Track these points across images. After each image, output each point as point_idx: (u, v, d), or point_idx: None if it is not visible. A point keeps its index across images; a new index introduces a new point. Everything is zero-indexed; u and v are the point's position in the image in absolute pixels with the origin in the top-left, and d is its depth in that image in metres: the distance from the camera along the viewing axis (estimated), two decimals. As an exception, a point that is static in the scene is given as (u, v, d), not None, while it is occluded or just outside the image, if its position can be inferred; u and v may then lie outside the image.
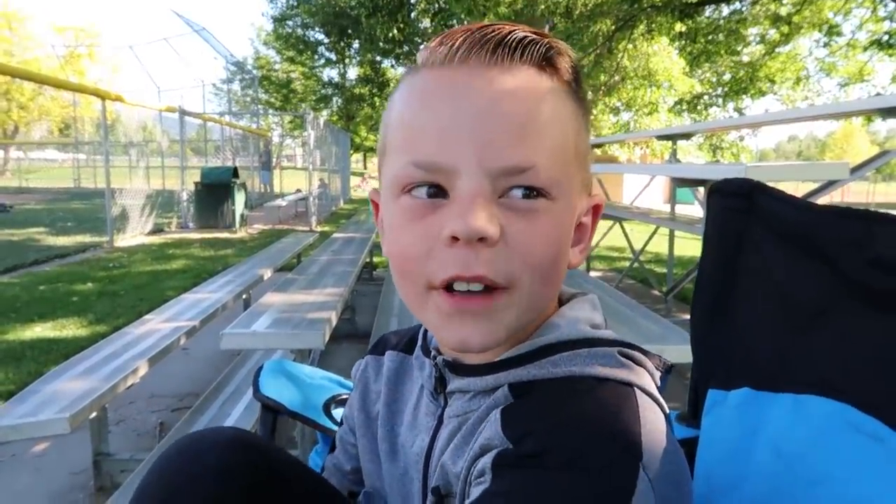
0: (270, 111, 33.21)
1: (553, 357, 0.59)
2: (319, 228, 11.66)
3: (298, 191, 16.94)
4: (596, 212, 0.66)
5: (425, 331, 0.74)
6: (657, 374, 0.61)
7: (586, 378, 0.57)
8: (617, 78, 13.72)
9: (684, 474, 0.54)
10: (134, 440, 3.01)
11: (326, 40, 30.94)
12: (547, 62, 0.58)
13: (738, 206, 0.85)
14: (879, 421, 0.61)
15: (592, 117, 14.53)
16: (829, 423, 0.66)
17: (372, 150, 38.05)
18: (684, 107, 16.09)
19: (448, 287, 0.56)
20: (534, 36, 0.58)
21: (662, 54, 13.06)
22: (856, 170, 2.37)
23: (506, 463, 0.51)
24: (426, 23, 17.38)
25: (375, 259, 7.02)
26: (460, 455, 0.60)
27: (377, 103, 30.38)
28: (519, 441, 0.52)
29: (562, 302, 0.68)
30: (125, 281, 6.59)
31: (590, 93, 13.88)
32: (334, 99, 34.86)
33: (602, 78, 13.31)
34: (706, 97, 16.06)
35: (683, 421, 0.96)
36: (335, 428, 0.90)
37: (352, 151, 30.93)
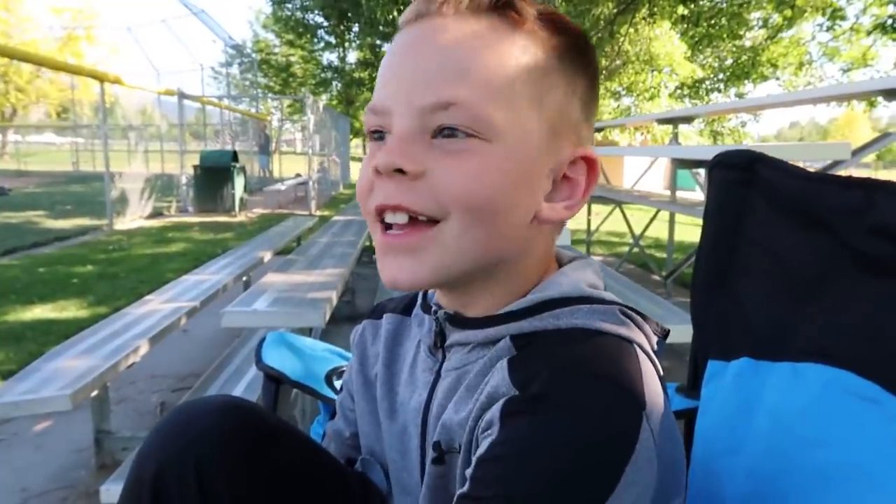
0: (270, 95, 33.06)
1: (554, 311, 0.60)
2: (319, 213, 11.64)
3: (298, 175, 16.91)
4: (590, 166, 0.64)
5: (425, 290, 0.74)
6: (654, 339, 0.61)
7: (589, 330, 0.57)
8: (618, 62, 13.65)
9: (679, 436, 0.56)
10: (135, 419, 3.02)
11: (326, 23, 30.70)
12: (506, 6, 0.59)
13: (739, 179, 0.85)
14: (878, 385, 0.62)
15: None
16: (828, 390, 0.66)
17: (371, 134, 37.73)
18: (686, 92, 16.02)
19: (384, 224, 0.60)
20: None
21: (664, 38, 12.99)
22: (857, 151, 2.36)
23: (513, 410, 0.51)
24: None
25: (375, 242, 7.02)
26: (464, 407, 0.60)
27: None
28: (525, 386, 0.52)
29: (561, 264, 0.68)
30: (125, 263, 6.59)
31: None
32: (334, 83, 34.67)
33: (603, 62, 13.24)
34: (708, 82, 15.99)
35: (683, 392, 0.96)
36: (336, 398, 0.89)
37: (352, 136, 30.82)
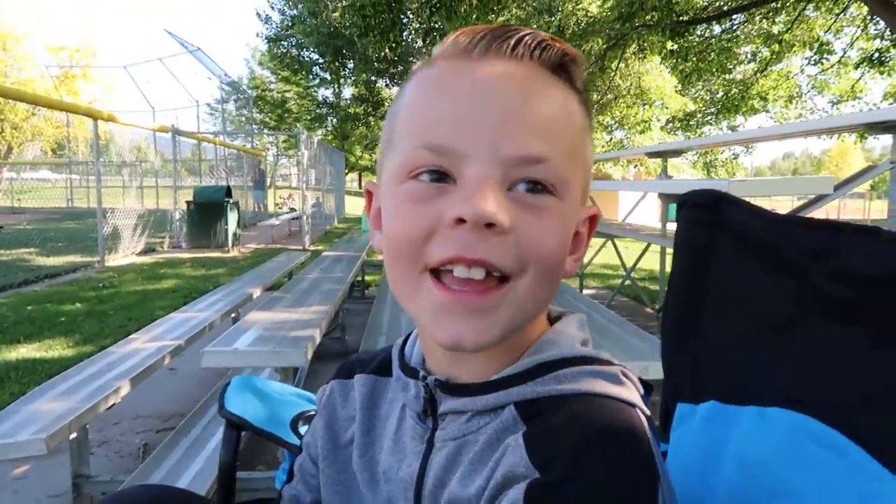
0: (265, 131, 33.28)
1: (555, 373, 0.58)
2: (313, 247, 11.64)
3: (292, 210, 16.93)
4: (592, 223, 0.65)
5: (401, 350, 0.71)
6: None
7: (597, 396, 0.56)
8: (610, 96, 13.82)
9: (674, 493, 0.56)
10: (116, 462, 2.96)
11: (321, 60, 31.07)
12: (561, 67, 0.59)
13: (706, 219, 0.84)
14: (842, 434, 0.60)
15: (585, 135, 14.61)
16: (793, 436, 0.65)
17: (367, 169, 38.12)
18: (677, 125, 16.20)
19: (441, 276, 0.55)
20: (551, 40, 0.58)
21: (654, 72, 13.17)
22: (840, 186, 2.37)
23: (536, 495, 0.49)
24: (420, 42, 17.51)
25: (368, 278, 7.00)
26: (472, 482, 0.57)
27: (372, 123, 30.51)
28: (546, 468, 0.51)
29: (550, 318, 0.67)
30: (114, 301, 6.55)
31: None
32: (329, 118, 35.00)
33: (595, 96, 13.40)
34: (699, 115, 16.17)
35: (655, 437, 0.94)
36: (296, 460, 0.84)
37: (347, 171, 30.99)
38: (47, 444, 1.96)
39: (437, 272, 0.55)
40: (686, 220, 0.87)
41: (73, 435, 2.35)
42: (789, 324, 0.70)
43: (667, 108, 14.19)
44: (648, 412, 0.58)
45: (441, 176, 0.55)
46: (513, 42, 0.56)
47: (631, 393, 0.58)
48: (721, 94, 15.63)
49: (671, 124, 16.08)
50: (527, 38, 0.57)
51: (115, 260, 9.73)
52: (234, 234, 11.96)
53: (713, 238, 0.83)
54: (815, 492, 0.60)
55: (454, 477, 0.59)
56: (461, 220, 0.52)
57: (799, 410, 0.66)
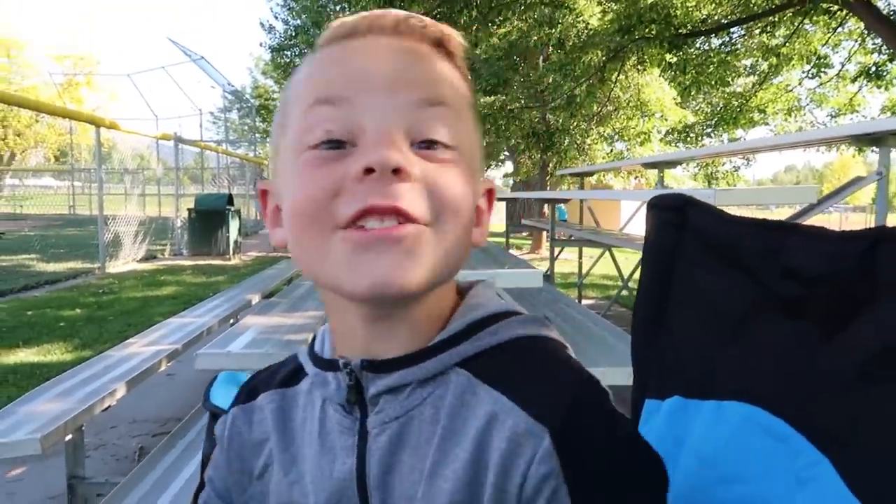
0: (268, 140, 33.39)
1: (489, 328, 0.59)
2: (313, 255, 11.65)
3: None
4: (490, 197, 0.66)
5: (311, 348, 0.66)
6: None
7: (535, 338, 0.60)
8: (610, 108, 13.88)
9: None
10: (112, 465, 2.99)
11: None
12: (441, 43, 0.60)
13: (672, 221, 0.88)
14: (786, 423, 0.63)
15: (587, 146, 14.69)
16: (744, 427, 0.68)
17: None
18: (676, 136, 16.24)
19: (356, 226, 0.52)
20: (429, 21, 0.60)
21: (654, 85, 13.23)
22: (828, 197, 2.40)
23: (567, 448, 0.51)
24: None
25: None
26: (446, 455, 0.54)
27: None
28: (550, 417, 0.52)
29: (461, 289, 0.66)
30: (114, 307, 6.59)
31: (583, 123, 14.03)
32: (332, 127, 35.03)
33: (595, 108, 13.46)
34: (698, 127, 16.22)
35: (625, 433, 0.97)
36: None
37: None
38: (42, 444, 1.99)
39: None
40: (654, 223, 0.90)
41: (69, 436, 2.38)
42: (744, 320, 0.74)
43: (666, 119, 14.23)
44: (568, 346, 0.63)
45: (339, 144, 0.53)
46: (391, 22, 0.57)
47: (552, 332, 0.62)
48: (721, 106, 15.69)
49: (670, 136, 16.12)
50: (405, 17, 0.58)
51: (115, 267, 9.78)
52: (236, 242, 12.01)
53: (680, 240, 0.87)
54: (759, 477, 0.63)
55: (404, 460, 0.56)
56: (369, 170, 0.51)
57: (752, 403, 0.69)
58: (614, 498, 0.52)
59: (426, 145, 0.54)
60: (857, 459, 0.56)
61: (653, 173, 10.67)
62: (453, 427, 0.55)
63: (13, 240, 13.24)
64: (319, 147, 0.54)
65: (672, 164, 5.37)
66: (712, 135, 16.72)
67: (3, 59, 29.07)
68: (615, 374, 2.04)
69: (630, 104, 13.53)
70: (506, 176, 21.29)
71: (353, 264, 0.51)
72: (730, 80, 14.51)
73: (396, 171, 0.51)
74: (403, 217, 0.51)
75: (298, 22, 29.42)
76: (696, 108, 17.00)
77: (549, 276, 7.23)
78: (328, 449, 0.60)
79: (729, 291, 0.78)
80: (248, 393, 0.72)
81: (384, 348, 0.58)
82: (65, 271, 9.15)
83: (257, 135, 32.85)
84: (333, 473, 0.59)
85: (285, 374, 0.69)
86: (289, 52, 32.46)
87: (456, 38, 0.61)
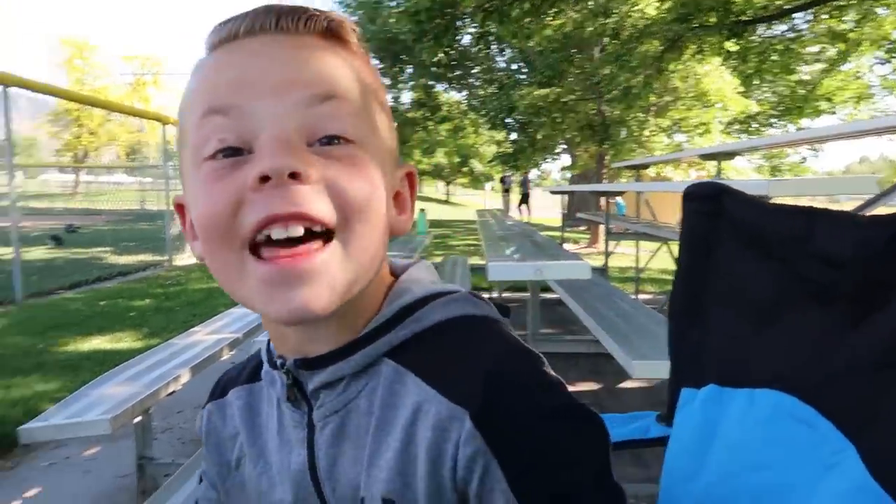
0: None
1: (415, 315, 0.59)
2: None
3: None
4: (411, 181, 0.65)
5: (268, 344, 0.66)
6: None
7: (457, 319, 0.59)
8: (668, 98, 13.57)
9: None
10: (178, 447, 3.13)
11: (380, 66, 31.55)
12: (330, 33, 0.58)
13: (708, 210, 0.89)
14: (814, 409, 0.64)
15: (644, 138, 14.39)
16: (775, 415, 0.69)
17: (425, 173, 38.42)
18: (739, 127, 15.76)
19: (260, 252, 0.51)
20: (313, 11, 0.58)
21: (714, 74, 12.86)
22: (891, 190, 2.29)
23: (489, 432, 0.52)
24: (476, 46, 17.58)
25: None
26: (380, 446, 0.56)
27: (430, 127, 30.78)
28: (468, 400, 0.53)
29: (396, 272, 0.66)
30: (180, 297, 6.85)
31: (640, 113, 13.76)
32: (388, 123, 35.36)
33: (652, 99, 13.18)
34: (761, 117, 15.69)
35: (662, 421, 0.98)
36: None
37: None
38: (112, 425, 2.11)
39: (256, 248, 0.52)
40: (690, 212, 0.91)
41: (138, 419, 2.51)
42: (776, 307, 0.74)
43: (727, 110, 13.81)
44: (500, 318, 0.62)
45: (236, 151, 0.52)
46: (274, 17, 0.55)
47: (479, 308, 0.61)
48: (786, 95, 15.15)
49: (732, 127, 15.65)
50: (288, 11, 0.56)
51: (182, 260, 10.14)
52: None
53: (715, 228, 0.88)
54: (787, 464, 0.64)
55: (347, 451, 0.59)
56: (265, 178, 0.50)
57: (784, 390, 0.70)
58: (547, 472, 0.51)
59: (326, 142, 0.53)
60: (880, 445, 0.57)
61: (711, 165, 10.39)
62: (385, 417, 0.57)
63: (88, 234, 13.88)
64: (216, 157, 0.53)
65: (730, 155, 5.22)
66: (776, 125, 16.16)
67: (77, 61, 30.54)
68: (664, 367, 2.02)
69: (689, 94, 13.20)
70: (563, 169, 21.05)
71: (268, 296, 0.51)
72: (794, 67, 13.98)
73: (294, 175, 0.50)
74: (308, 221, 0.50)
75: (355, 18, 29.89)
76: (760, 97, 16.44)
77: (603, 270, 7.14)
78: (286, 441, 0.63)
79: (762, 278, 0.78)
80: (221, 389, 0.74)
81: (315, 347, 0.59)
82: (135, 264, 9.57)
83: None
84: (291, 465, 0.62)
85: (251, 370, 0.71)
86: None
87: (346, 23, 0.59)
